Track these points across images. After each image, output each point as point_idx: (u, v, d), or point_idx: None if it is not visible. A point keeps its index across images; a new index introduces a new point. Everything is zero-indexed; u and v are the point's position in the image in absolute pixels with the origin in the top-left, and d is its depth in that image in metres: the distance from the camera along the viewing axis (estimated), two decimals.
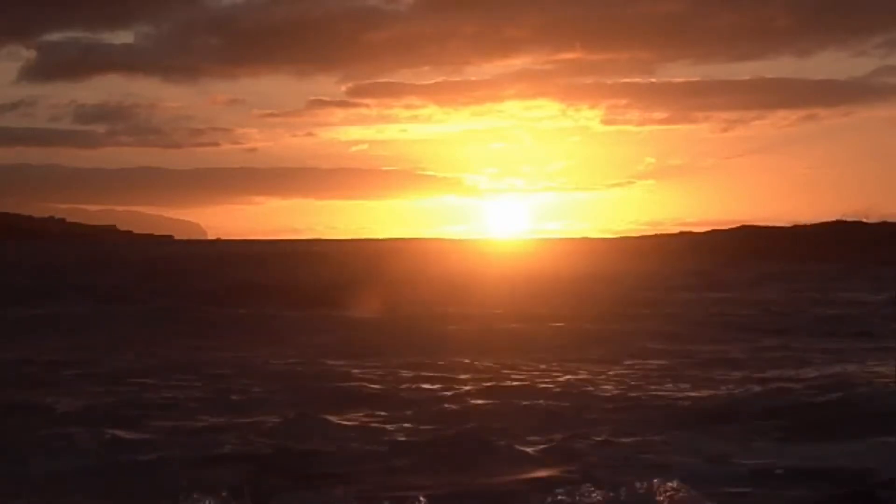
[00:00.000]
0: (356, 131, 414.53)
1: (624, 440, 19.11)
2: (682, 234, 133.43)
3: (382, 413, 22.00)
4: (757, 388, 25.44)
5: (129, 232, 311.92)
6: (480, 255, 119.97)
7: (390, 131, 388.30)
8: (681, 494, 14.84)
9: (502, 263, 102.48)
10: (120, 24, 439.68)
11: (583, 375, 27.81)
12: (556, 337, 37.99)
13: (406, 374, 28.10)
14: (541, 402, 23.31)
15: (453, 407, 22.72)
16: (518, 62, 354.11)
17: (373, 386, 25.89)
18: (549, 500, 14.42)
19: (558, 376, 27.59)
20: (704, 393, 24.84)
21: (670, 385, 26.16)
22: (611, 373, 28.41)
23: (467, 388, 25.53)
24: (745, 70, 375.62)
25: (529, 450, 18.09)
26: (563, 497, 14.48)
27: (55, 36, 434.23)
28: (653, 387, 25.76)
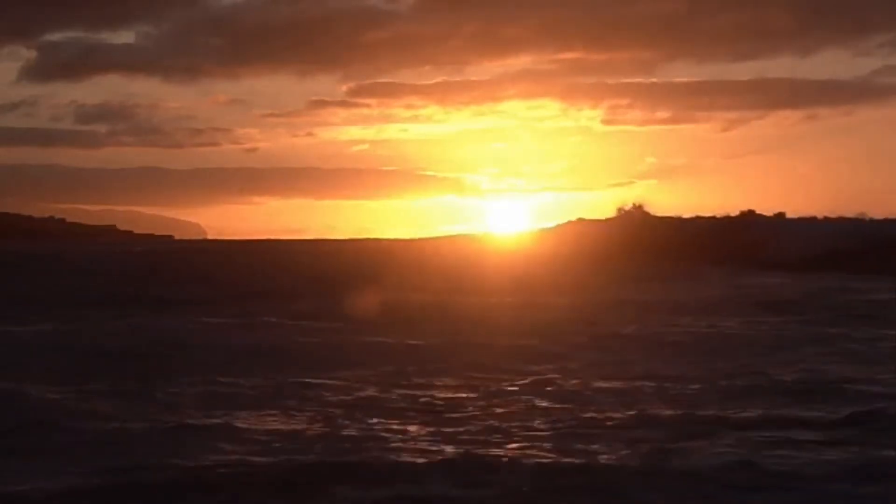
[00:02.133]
0: (357, 131, 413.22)
1: None
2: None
3: None
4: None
5: (130, 232, 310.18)
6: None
7: (391, 131, 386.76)
8: None
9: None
10: (120, 24, 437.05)
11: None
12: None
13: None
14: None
15: None
16: (518, 62, 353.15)
17: None
18: None
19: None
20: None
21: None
22: None
23: None
24: (747, 70, 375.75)
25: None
26: None
27: (55, 36, 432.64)
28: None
